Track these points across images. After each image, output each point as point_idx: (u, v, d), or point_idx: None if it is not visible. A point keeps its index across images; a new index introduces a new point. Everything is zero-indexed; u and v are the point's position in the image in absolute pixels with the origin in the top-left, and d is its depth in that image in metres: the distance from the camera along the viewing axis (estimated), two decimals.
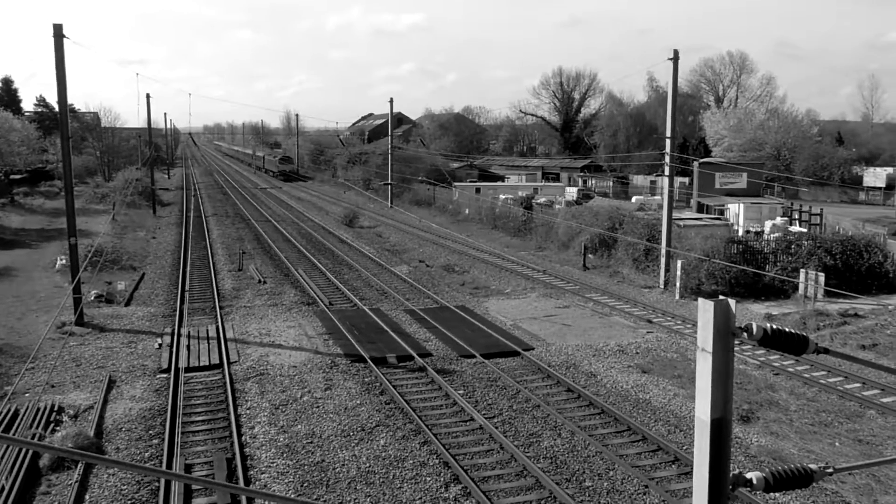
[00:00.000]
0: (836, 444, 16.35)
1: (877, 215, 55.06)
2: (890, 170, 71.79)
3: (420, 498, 13.71)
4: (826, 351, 4.37)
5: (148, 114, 71.22)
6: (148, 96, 69.38)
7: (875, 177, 74.83)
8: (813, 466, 4.19)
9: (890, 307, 27.75)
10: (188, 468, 14.89)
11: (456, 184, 71.03)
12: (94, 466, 14.74)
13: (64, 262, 33.67)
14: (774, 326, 4.01)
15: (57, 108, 27.86)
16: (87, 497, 13.68)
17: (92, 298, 29.22)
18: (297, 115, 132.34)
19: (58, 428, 16.67)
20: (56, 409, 17.86)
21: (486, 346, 23.12)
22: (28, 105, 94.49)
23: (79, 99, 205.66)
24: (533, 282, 34.27)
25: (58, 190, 63.99)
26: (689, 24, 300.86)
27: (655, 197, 59.82)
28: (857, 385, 20.03)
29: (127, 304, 29.62)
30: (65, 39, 24.70)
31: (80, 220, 32.28)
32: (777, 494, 13.67)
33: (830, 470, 4.20)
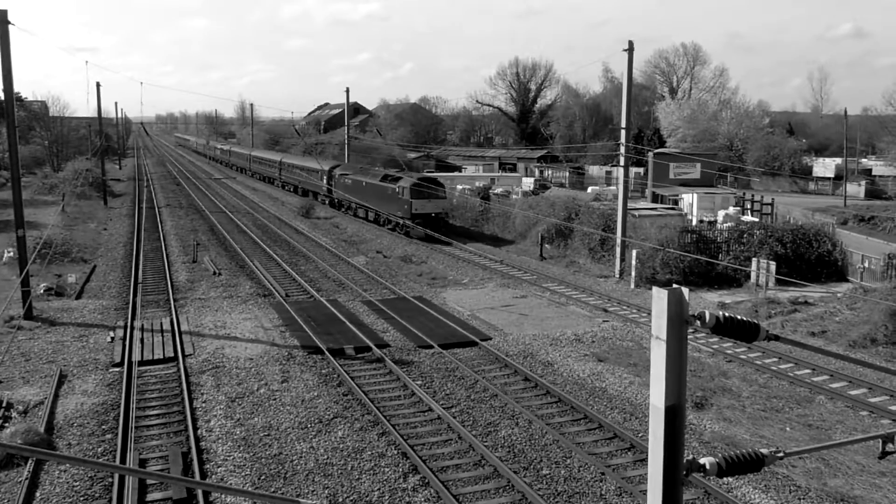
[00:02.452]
0: (787, 429, 16.72)
1: (826, 205, 56.31)
2: (838, 160, 73.26)
3: (378, 489, 13.69)
4: (777, 338, 4.44)
5: (98, 102, 69.64)
6: (98, 85, 68.29)
7: (824, 167, 76.38)
8: (764, 451, 4.27)
9: (838, 295, 28.41)
10: (142, 463, 14.67)
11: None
12: (44, 463, 14.45)
13: (11, 254, 32.82)
14: (727, 314, 4.07)
15: (2, 97, 27.12)
16: (37, 494, 13.41)
17: (41, 291, 28.58)
18: (251, 105, 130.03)
19: (6, 424, 16.29)
20: (4, 404, 17.45)
21: (443, 337, 23.15)
22: None
23: (26, 87, 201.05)
24: (490, 272, 34.38)
25: (4, 180, 62.30)
26: (644, 15, 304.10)
27: (611, 187, 60.40)
28: (807, 371, 20.51)
29: (78, 297, 29.02)
30: (10, 26, 24.08)
31: (27, 211, 31.53)
32: (730, 479, 13.94)
33: (781, 454, 4.28)
